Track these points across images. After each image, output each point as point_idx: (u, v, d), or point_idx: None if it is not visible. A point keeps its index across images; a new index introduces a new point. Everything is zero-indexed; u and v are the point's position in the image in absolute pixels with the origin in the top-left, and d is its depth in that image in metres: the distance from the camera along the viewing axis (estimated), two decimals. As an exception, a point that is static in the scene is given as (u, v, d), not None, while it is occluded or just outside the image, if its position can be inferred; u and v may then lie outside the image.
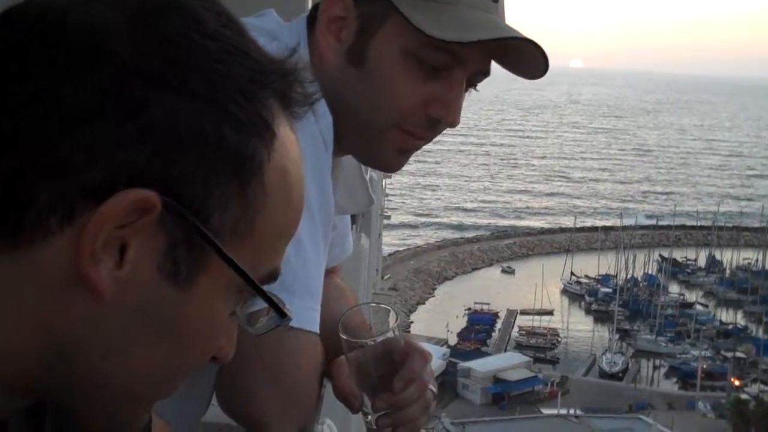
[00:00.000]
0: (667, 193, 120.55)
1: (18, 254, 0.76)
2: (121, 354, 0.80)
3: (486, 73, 1.56)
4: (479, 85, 1.60)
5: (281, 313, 0.86)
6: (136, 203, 0.74)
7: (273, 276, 0.87)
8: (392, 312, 1.57)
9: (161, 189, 0.75)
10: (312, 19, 1.58)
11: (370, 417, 1.52)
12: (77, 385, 0.81)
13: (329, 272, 1.77)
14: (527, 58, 1.52)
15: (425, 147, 1.64)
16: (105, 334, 0.79)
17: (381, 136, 1.55)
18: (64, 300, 0.77)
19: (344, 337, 1.50)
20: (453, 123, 1.55)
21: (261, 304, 0.87)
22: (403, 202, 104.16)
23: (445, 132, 1.60)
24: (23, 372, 0.80)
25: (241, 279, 0.81)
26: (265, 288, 0.85)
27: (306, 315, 1.43)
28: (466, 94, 1.57)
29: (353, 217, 2.50)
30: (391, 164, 1.62)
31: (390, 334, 1.52)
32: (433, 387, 1.56)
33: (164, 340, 0.82)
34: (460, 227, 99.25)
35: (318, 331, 1.47)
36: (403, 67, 1.50)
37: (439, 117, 1.53)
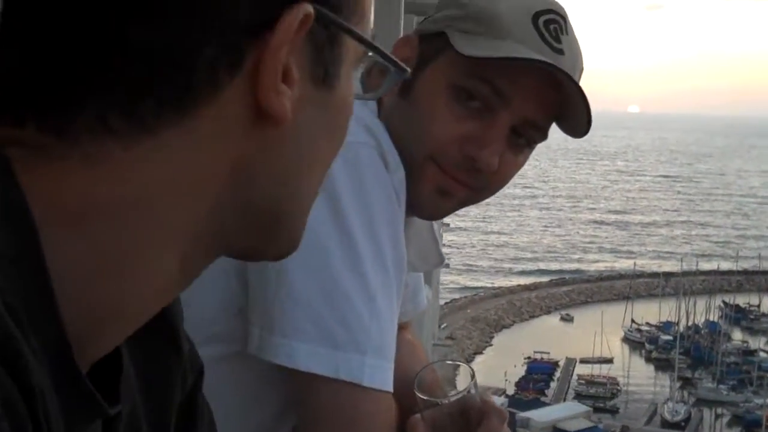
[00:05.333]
0: (726, 242, 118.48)
1: (185, 121, 0.70)
2: (297, 176, 0.79)
3: (537, 126, 1.53)
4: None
5: (400, 68, 0.85)
6: (301, 23, 0.71)
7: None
8: (470, 370, 1.53)
9: None
10: None
11: None
12: (257, 225, 0.79)
13: (400, 328, 1.72)
14: (575, 110, 1.49)
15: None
16: (284, 161, 0.77)
17: (418, 171, 1.52)
18: (245, 147, 0.74)
19: (421, 396, 1.46)
20: (489, 166, 1.50)
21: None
22: (462, 256, 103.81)
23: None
24: (224, 238, 0.77)
25: (363, 51, 0.81)
26: None
27: (379, 375, 1.41)
28: (522, 154, 1.56)
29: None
30: (431, 205, 1.57)
31: (467, 393, 1.48)
32: None
33: (328, 144, 0.82)
34: (517, 276, 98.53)
35: (391, 390, 1.45)
36: (446, 99, 1.50)
37: (474, 155, 1.49)
